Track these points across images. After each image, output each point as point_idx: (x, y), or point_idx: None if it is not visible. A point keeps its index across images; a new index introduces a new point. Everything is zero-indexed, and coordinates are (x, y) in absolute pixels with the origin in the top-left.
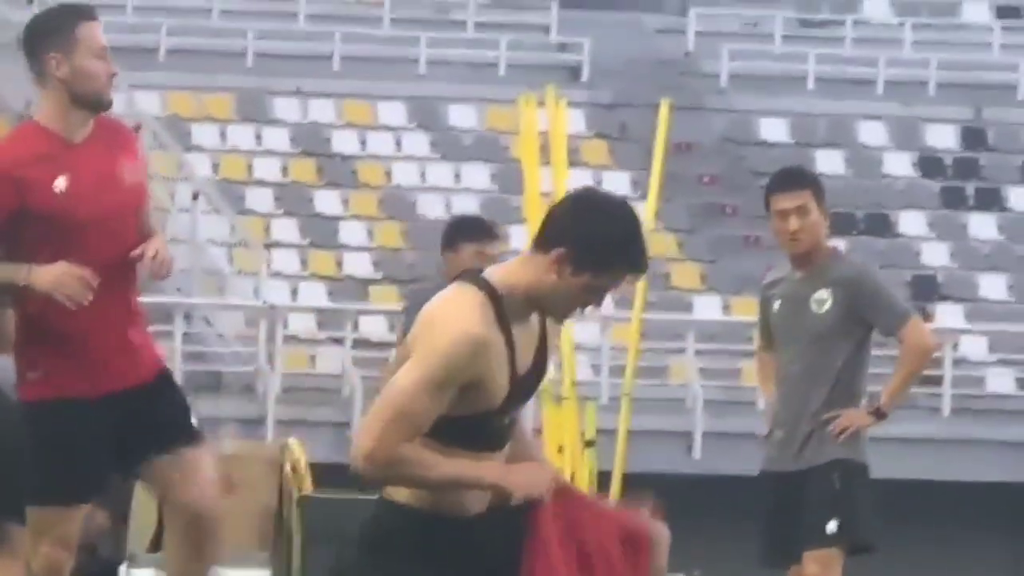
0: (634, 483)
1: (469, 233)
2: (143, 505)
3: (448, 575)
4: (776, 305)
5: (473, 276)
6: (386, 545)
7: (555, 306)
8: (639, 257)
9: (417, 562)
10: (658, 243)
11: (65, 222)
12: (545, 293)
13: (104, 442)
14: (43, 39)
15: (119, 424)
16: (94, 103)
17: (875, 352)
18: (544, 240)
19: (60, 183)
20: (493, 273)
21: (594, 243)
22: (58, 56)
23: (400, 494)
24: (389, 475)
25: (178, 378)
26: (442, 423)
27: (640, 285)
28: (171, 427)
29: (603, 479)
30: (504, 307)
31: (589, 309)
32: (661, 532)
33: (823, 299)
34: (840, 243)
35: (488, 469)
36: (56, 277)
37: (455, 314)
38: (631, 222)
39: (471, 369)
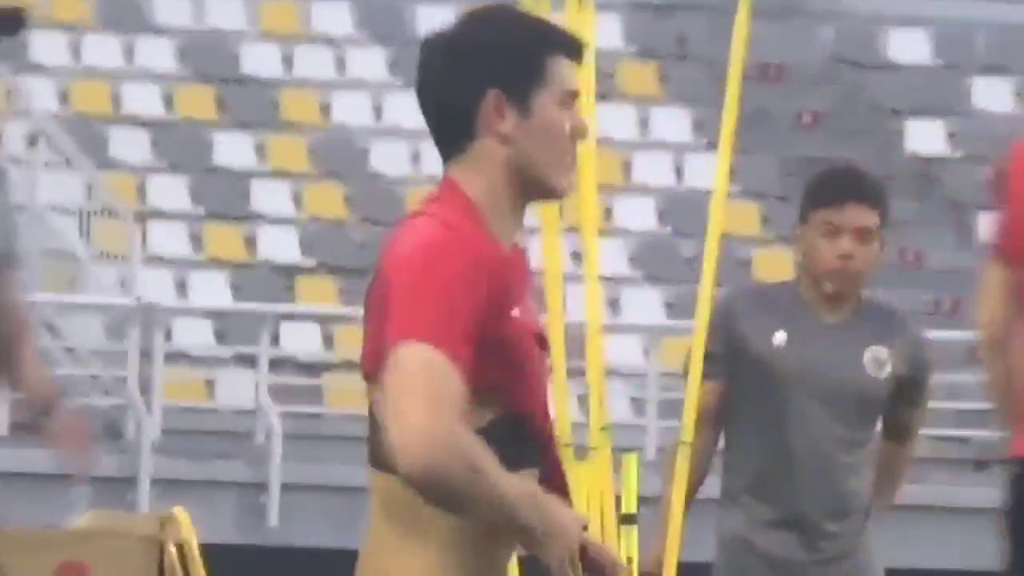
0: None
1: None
2: None
3: None
4: None
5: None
6: None
7: (543, 170)
8: (566, 37)
9: None
10: (735, 215)
11: None
12: (520, 167)
13: None
14: None
15: None
16: None
17: None
18: (457, 127)
19: None
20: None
21: (513, 58)
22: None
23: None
24: None
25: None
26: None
27: (706, 278)
28: None
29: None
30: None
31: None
32: None
33: None
34: None
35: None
36: None
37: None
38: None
39: None
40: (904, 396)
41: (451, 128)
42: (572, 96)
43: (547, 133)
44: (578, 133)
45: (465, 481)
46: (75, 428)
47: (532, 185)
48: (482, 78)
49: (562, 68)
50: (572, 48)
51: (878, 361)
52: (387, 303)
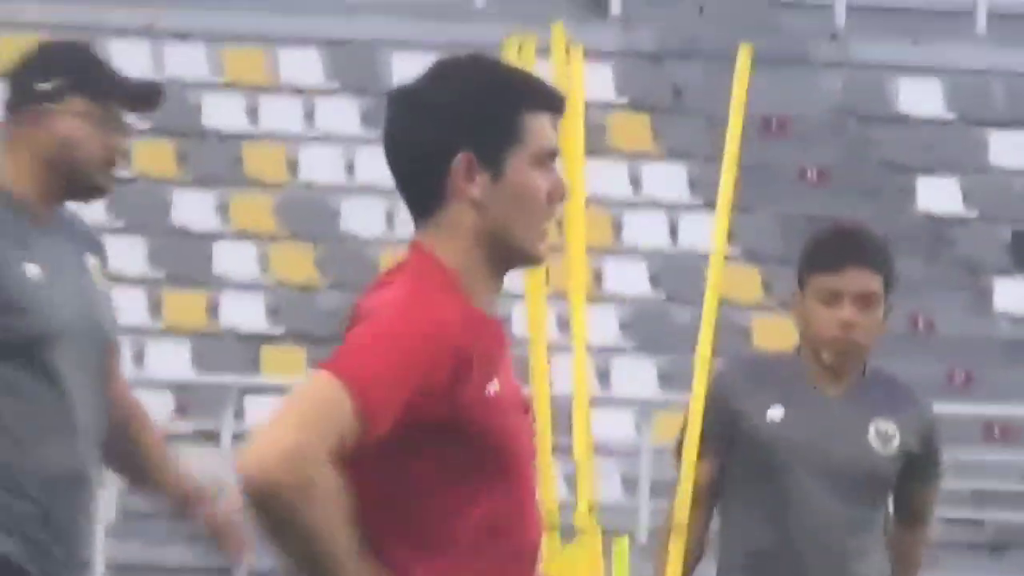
0: None
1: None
2: None
3: None
4: None
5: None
6: None
7: (518, 237)
8: (543, 90)
9: None
10: (734, 279)
11: None
12: (494, 234)
13: None
14: None
15: None
16: None
17: None
18: (424, 194)
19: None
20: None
21: (483, 116)
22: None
23: None
24: None
25: None
26: None
27: (703, 347)
28: None
29: None
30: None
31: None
32: None
33: None
34: None
35: None
36: None
37: None
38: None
39: None
40: (914, 474)
41: (420, 191)
42: (550, 155)
43: (521, 197)
44: (557, 194)
45: (294, 513)
46: (227, 522)
47: (507, 252)
48: (450, 139)
49: (537, 124)
50: (549, 102)
51: (884, 436)
52: None
